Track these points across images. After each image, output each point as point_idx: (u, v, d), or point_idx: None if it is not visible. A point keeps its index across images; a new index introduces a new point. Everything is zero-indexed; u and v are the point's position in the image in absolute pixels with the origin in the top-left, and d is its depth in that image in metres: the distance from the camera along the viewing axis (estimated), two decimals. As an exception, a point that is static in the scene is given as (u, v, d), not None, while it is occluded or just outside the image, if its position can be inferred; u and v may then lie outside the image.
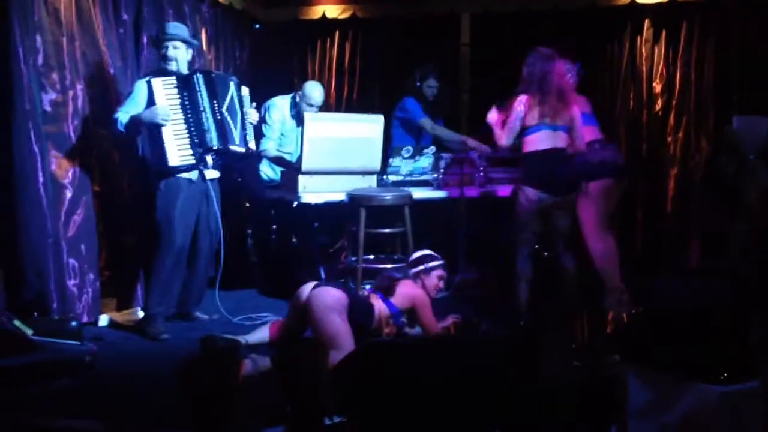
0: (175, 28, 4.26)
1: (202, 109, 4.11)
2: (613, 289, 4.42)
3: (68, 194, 4.12)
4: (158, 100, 4.02)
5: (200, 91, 4.13)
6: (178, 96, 4.09)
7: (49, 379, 3.23)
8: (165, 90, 4.06)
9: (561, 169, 4.10)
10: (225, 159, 4.32)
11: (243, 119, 4.31)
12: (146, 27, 4.83)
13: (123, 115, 4.03)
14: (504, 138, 4.15)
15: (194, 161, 4.11)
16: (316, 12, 6.42)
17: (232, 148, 4.19)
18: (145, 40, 4.79)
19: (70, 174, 4.13)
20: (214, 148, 4.13)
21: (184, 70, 4.18)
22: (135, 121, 4.02)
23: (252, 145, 4.42)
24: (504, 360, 2.51)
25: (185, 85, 4.11)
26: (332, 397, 2.40)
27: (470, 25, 6.30)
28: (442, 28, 6.36)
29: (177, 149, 4.06)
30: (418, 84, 5.57)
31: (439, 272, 4.05)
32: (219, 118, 4.15)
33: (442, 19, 6.32)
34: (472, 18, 6.30)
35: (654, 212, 5.94)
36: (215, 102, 4.16)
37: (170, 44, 4.16)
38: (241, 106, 4.32)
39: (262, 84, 5.93)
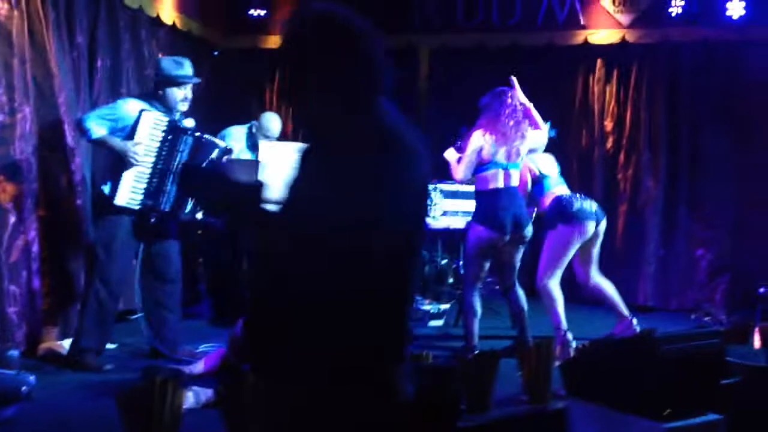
0: (190, 68, 4.04)
1: (173, 169, 3.92)
2: (623, 319, 4.46)
3: (12, 219, 4.01)
4: (139, 133, 3.81)
5: (182, 151, 3.94)
6: (160, 141, 3.89)
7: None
8: (152, 129, 3.85)
9: (511, 208, 4.11)
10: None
11: None
12: (101, 50, 4.78)
13: (98, 129, 3.79)
14: (461, 172, 4.16)
15: (138, 209, 3.89)
16: (276, 41, 6.43)
17: (180, 215, 4.05)
18: (99, 63, 4.74)
19: (14, 198, 4.03)
20: (165, 211, 3.95)
21: (178, 115, 4.00)
22: (107, 144, 3.84)
23: (199, 215, 4.22)
24: (454, 391, 2.50)
25: (173, 135, 3.92)
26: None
27: (428, 59, 6.39)
28: (400, 61, 6.42)
29: (129, 190, 3.84)
30: None
31: None
32: None
33: (401, 52, 6.39)
34: (430, 52, 6.39)
35: (603, 248, 6.02)
36: None
37: (186, 87, 3.97)
38: None
39: (220, 112, 5.90)
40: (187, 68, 4.01)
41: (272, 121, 5.19)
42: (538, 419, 3.04)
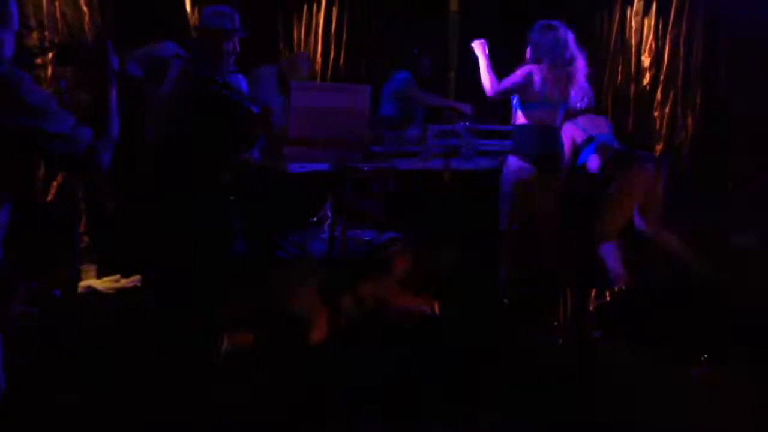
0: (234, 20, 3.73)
1: None
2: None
3: (47, 159, 4.04)
4: (167, 82, 3.55)
5: None
6: None
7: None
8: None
9: (552, 144, 4.08)
10: None
11: None
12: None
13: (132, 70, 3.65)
14: (493, 89, 4.05)
15: None
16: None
17: None
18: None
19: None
20: None
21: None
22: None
23: None
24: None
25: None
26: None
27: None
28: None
29: None
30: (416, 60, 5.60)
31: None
32: None
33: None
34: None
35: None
36: None
37: (230, 40, 3.71)
38: None
39: (246, 50, 5.82)
40: (229, 20, 3.71)
41: (302, 62, 5.12)
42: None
